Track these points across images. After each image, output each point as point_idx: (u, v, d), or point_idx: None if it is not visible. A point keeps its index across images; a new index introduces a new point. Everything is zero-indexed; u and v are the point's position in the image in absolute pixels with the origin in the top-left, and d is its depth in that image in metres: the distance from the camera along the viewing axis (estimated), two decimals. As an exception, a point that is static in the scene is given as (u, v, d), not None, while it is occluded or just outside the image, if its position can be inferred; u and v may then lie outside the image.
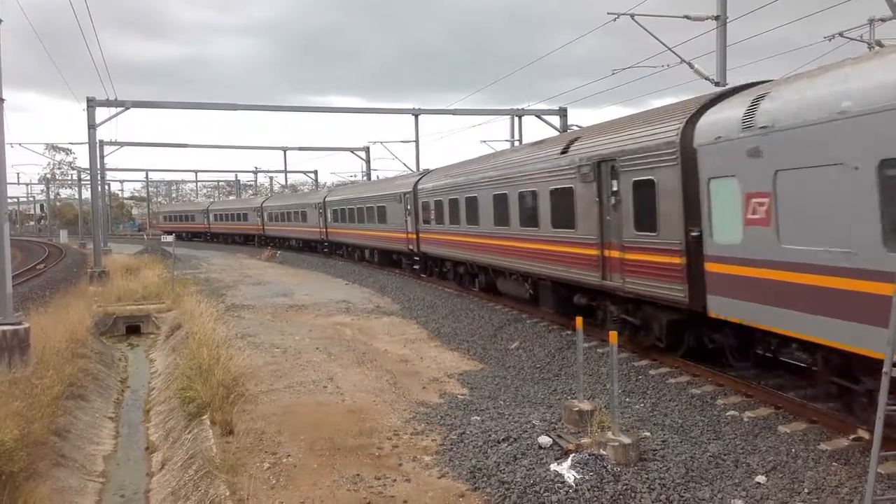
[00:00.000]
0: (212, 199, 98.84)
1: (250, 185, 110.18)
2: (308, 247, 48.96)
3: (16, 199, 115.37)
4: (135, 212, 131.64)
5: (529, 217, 16.68)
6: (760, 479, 7.64)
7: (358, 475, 8.35)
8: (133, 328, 23.28)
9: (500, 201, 18.35)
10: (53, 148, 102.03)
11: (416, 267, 28.15)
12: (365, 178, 58.73)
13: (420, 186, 26.29)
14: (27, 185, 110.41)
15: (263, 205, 57.96)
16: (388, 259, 32.88)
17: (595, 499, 7.22)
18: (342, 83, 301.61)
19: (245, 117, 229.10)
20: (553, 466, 7.92)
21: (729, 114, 10.03)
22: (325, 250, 44.32)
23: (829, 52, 24.41)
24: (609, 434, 8.24)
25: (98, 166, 35.20)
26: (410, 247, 27.81)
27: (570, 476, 7.62)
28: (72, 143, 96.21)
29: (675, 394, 10.99)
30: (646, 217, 12.05)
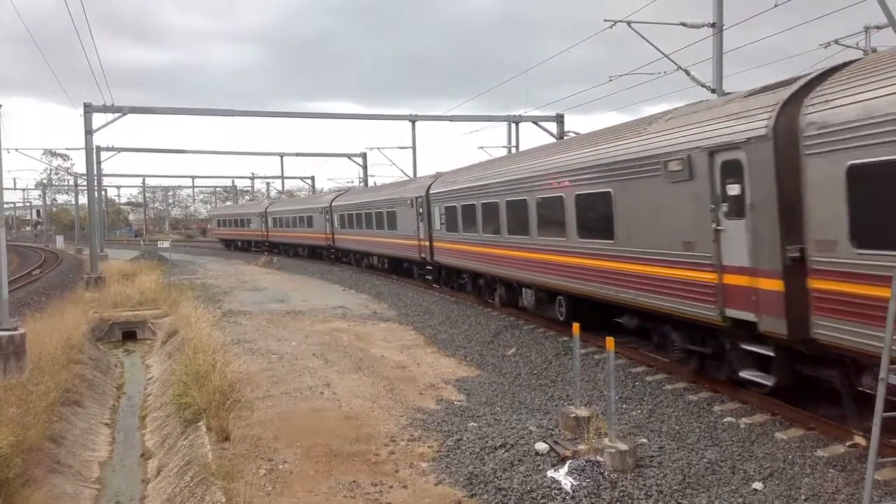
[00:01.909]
0: (273, 198, 78.18)
1: (247, 191, 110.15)
2: (397, 267, 31.87)
3: (12, 205, 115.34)
4: (131, 217, 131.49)
5: None
6: (757, 485, 7.64)
7: (354, 482, 8.33)
8: (129, 334, 23.21)
9: None
10: (50, 153, 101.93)
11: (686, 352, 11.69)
12: (361, 183, 57.27)
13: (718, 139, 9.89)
14: (24, 190, 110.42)
15: (333, 203, 39.87)
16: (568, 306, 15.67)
17: (592, 505, 7.21)
18: (336, 89, 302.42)
19: (241, 123, 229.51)
20: (550, 473, 7.91)
21: None
22: (428, 277, 26.44)
23: (825, 59, 24.52)
24: (606, 440, 8.24)
25: (95, 172, 35.20)
26: (712, 300, 10.25)
27: (567, 482, 7.61)
28: (69, 149, 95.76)
29: (672, 400, 10.99)
30: None
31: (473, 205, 20.03)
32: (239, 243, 65.01)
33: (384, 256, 32.93)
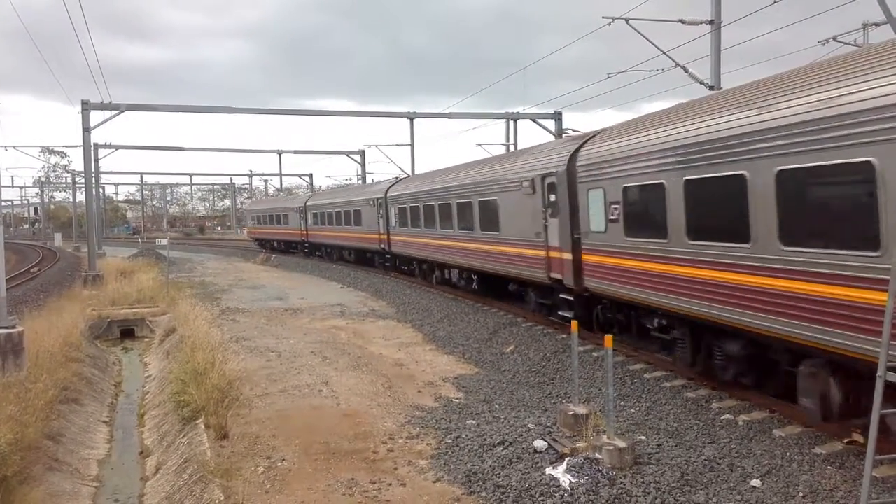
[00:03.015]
0: (312, 191, 65.40)
1: (245, 189, 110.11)
2: (497, 288, 20.58)
3: (10, 202, 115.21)
4: (129, 215, 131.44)
5: None
6: (755, 482, 7.65)
7: (353, 479, 8.34)
8: (127, 332, 23.19)
9: None
10: (48, 151, 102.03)
11: None
12: (360, 180, 56.02)
13: None
14: (21, 188, 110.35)
15: (390, 193, 29.94)
16: None
17: (590, 503, 7.22)
18: (332, 87, 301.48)
19: (239, 120, 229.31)
20: (548, 470, 7.91)
21: None
22: (566, 314, 15.35)
23: (823, 56, 24.56)
24: (604, 438, 8.24)
25: (92, 169, 35.15)
26: None
27: (566, 480, 7.62)
28: (66, 146, 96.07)
29: (671, 397, 11.01)
30: None
31: (709, 180, 9.91)
32: (275, 244, 54.48)
33: (475, 271, 21.45)
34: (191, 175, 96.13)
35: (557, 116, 35.19)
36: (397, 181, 31.99)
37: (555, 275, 15.63)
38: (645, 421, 10.03)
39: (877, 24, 23.76)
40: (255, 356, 15.33)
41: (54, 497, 9.47)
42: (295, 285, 31.16)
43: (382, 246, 31.42)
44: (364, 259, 36.37)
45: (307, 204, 45.73)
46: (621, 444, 8.04)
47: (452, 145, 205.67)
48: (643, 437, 8.98)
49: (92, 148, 34.21)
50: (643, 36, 21.25)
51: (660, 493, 7.36)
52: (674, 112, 11.68)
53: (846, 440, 8.49)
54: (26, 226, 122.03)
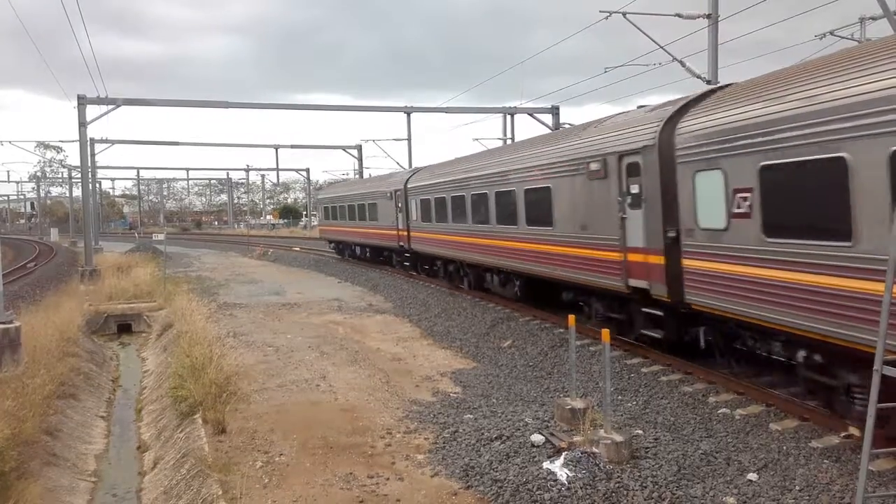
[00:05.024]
0: (414, 168, 30.92)
1: (242, 184, 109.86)
2: None
3: (6, 198, 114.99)
4: (126, 210, 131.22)
5: None
6: (752, 476, 7.68)
7: (351, 474, 8.35)
8: (124, 327, 23.18)
9: None
10: (44, 146, 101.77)
11: None
12: (357, 175, 55.26)
13: None
14: (17, 183, 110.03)
15: (684, 131, 10.44)
16: None
17: (587, 496, 7.24)
18: (328, 81, 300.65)
19: (235, 115, 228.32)
20: (546, 464, 7.93)
21: None
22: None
23: (820, 50, 24.55)
24: (601, 432, 8.26)
25: (89, 164, 35.03)
26: None
27: (563, 474, 7.64)
28: (62, 141, 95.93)
29: (668, 392, 11.03)
30: None
31: None
32: (356, 249, 36.57)
33: None
34: (187, 170, 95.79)
35: (555, 111, 35.11)
36: (694, 99, 11.41)
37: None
38: (642, 415, 10.06)
39: (874, 19, 23.77)
40: (252, 351, 15.33)
41: (52, 492, 9.48)
42: (292, 280, 31.14)
43: (618, 282, 12.89)
44: (549, 298, 17.40)
45: (408, 185, 26.91)
46: (618, 437, 8.07)
47: (449, 140, 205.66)
48: (640, 431, 9.01)
49: (88, 143, 34.09)
50: (640, 30, 21.25)
51: (657, 486, 7.39)
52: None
53: (843, 434, 8.51)
54: (22, 221, 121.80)
